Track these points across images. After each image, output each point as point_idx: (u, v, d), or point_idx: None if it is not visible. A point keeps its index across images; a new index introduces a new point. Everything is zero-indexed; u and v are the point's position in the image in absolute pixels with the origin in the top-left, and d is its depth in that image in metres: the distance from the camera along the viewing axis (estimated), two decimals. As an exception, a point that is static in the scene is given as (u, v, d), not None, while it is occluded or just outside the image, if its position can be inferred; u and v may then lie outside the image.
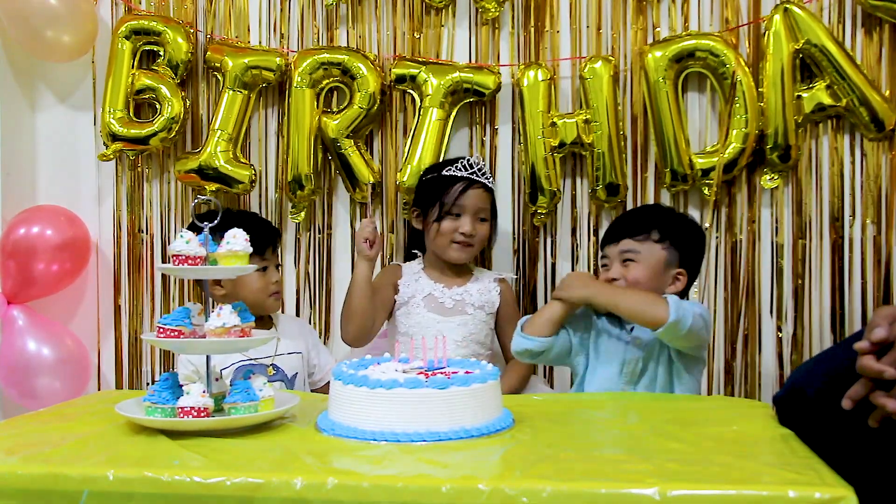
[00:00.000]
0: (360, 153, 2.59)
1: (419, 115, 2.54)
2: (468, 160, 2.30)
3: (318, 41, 2.64)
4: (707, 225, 2.48)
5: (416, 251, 2.41)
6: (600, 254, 2.11)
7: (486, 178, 2.31)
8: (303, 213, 2.64)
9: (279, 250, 2.41)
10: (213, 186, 2.57)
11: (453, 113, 2.55)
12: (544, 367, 2.58)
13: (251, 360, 2.08)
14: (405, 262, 2.43)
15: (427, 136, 2.51)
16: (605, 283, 1.99)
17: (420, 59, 2.57)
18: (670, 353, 1.95)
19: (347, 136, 2.56)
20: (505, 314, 2.34)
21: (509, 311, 2.36)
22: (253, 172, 2.60)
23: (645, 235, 2.02)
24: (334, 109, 2.61)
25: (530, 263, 2.59)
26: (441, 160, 2.47)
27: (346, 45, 2.63)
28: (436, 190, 2.29)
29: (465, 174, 2.27)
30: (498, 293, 2.33)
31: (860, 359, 1.33)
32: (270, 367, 2.09)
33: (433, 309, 2.25)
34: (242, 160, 2.62)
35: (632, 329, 1.97)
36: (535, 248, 2.59)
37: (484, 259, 2.58)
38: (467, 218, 2.25)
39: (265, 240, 2.21)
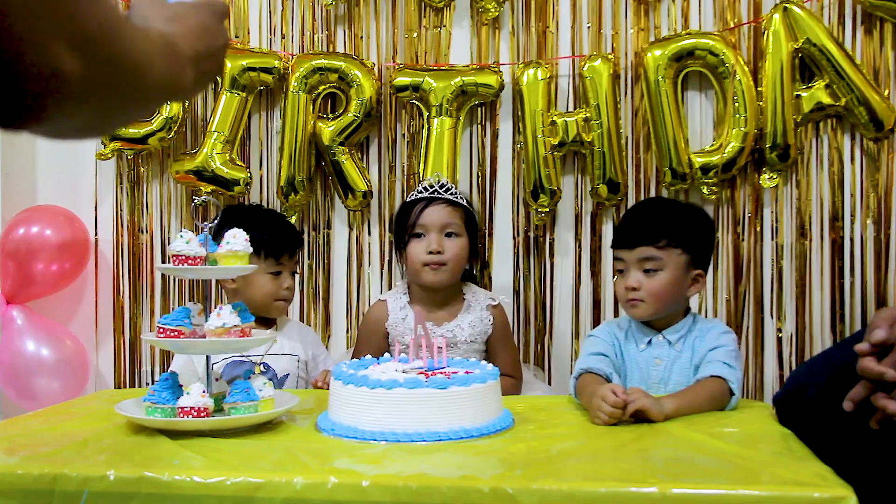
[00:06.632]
0: (354, 161, 2.59)
1: (427, 125, 2.53)
2: (430, 181, 2.26)
3: (317, 42, 2.64)
4: None
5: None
6: (613, 255, 1.99)
7: (452, 194, 2.24)
8: (293, 218, 2.63)
9: (299, 258, 2.33)
10: (209, 188, 2.57)
11: (462, 118, 2.55)
12: (544, 367, 2.58)
13: (242, 356, 2.06)
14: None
15: (438, 147, 2.50)
16: (680, 400, 1.68)
17: (421, 67, 2.56)
18: (693, 366, 1.88)
19: (341, 143, 2.56)
20: (495, 339, 2.25)
21: (500, 335, 2.27)
22: (248, 175, 2.60)
23: (665, 241, 1.88)
24: (330, 115, 2.60)
25: (533, 262, 2.59)
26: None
27: (344, 44, 2.63)
28: (401, 217, 2.26)
29: (425, 194, 2.22)
30: (490, 322, 2.24)
31: (861, 361, 1.33)
32: (259, 366, 2.06)
33: None
34: (239, 163, 2.61)
35: (649, 341, 1.93)
36: (535, 246, 2.59)
37: (483, 269, 2.58)
38: (433, 234, 2.18)
39: (282, 245, 2.16)
